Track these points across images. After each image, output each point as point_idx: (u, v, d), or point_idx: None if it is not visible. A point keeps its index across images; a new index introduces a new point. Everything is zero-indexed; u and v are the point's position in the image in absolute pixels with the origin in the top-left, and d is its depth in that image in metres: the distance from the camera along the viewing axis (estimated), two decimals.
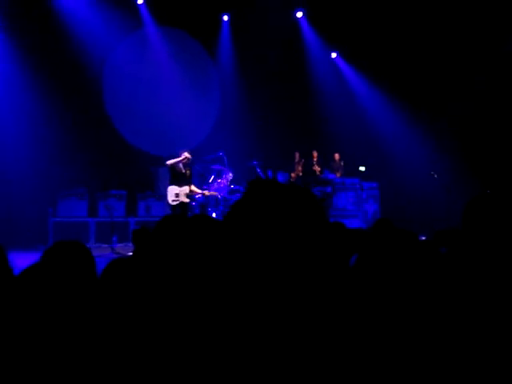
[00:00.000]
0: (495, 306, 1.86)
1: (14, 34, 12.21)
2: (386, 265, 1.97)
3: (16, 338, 1.70)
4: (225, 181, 11.05)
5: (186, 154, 10.19)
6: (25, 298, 1.78)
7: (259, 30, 12.98)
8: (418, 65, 13.63)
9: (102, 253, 9.97)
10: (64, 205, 11.84)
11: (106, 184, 12.36)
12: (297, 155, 13.09)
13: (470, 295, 1.90)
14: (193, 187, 10.35)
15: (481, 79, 12.97)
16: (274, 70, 13.78)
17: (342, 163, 13.38)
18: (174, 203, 10.08)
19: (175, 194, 10.08)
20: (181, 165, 10.18)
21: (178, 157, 10.20)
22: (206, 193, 10.60)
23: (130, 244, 9.75)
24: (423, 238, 7.20)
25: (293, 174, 12.98)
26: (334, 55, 15.17)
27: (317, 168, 12.86)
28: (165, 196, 10.39)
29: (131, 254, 7.73)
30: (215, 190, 10.81)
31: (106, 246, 10.97)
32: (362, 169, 13.50)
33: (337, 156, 13.48)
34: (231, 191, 10.96)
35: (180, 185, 10.14)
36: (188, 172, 10.33)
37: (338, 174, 13.22)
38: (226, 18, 14.31)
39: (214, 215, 10.62)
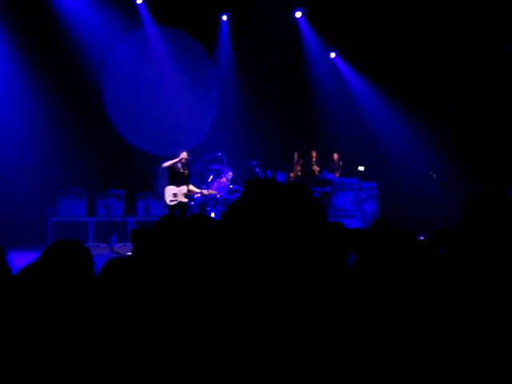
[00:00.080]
0: (492, 304, 1.86)
1: (13, 34, 12.20)
2: (385, 264, 1.98)
3: (14, 337, 1.70)
4: (225, 180, 11.06)
5: (184, 155, 10.18)
6: (23, 297, 1.78)
7: (258, 29, 12.98)
8: (417, 65, 13.63)
9: (100, 252, 9.97)
10: (63, 204, 11.83)
11: (105, 184, 12.36)
12: (296, 155, 13.10)
13: (466, 294, 1.90)
14: (191, 187, 10.34)
15: (481, 79, 12.97)
16: (273, 69, 13.79)
17: (341, 163, 13.38)
18: (172, 203, 10.07)
19: (173, 193, 10.07)
20: (179, 165, 10.17)
21: (177, 157, 10.20)
22: (205, 192, 10.60)
23: (129, 244, 9.76)
24: (422, 238, 7.20)
25: (292, 174, 12.99)
26: (332, 55, 15.17)
27: (316, 168, 12.86)
28: (163, 196, 10.38)
29: (130, 253, 7.73)
30: (215, 190, 10.82)
31: (105, 245, 10.98)
32: (361, 169, 13.50)
33: (336, 156, 13.48)
34: (230, 191, 10.96)
35: (178, 185, 10.14)
36: (186, 172, 10.32)
37: (337, 174, 13.22)
38: (225, 17, 14.30)
39: (212, 215, 10.62)
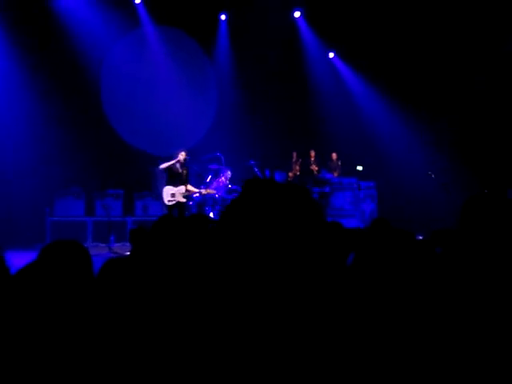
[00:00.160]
0: (490, 304, 1.86)
1: (12, 34, 12.18)
2: (383, 264, 1.98)
3: (12, 336, 1.70)
4: (224, 179, 11.07)
5: (182, 155, 10.16)
6: (21, 297, 1.78)
7: (257, 29, 12.98)
8: (416, 64, 13.64)
9: (99, 252, 9.97)
10: (61, 204, 11.83)
11: (104, 183, 12.35)
12: (294, 155, 13.10)
13: (464, 294, 1.90)
14: (189, 187, 10.32)
15: (481, 79, 12.98)
16: (272, 69, 13.78)
17: (340, 163, 13.38)
18: (170, 203, 10.06)
19: (171, 194, 10.06)
20: (178, 165, 10.16)
21: (175, 157, 10.19)
22: (203, 191, 10.60)
23: (128, 243, 9.75)
24: (420, 238, 7.20)
25: (290, 174, 12.99)
26: (331, 55, 15.17)
27: (314, 167, 12.86)
28: (161, 196, 10.37)
29: (128, 253, 7.72)
30: (214, 189, 10.82)
31: (104, 245, 10.98)
32: (360, 168, 13.50)
33: (334, 155, 13.48)
34: (229, 191, 10.96)
35: (176, 185, 10.12)
36: (185, 172, 10.30)
37: (336, 174, 13.22)
38: (223, 17, 14.29)
39: (211, 215, 10.62)
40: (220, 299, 1.55)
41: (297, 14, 14.47)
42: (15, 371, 1.65)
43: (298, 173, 12.95)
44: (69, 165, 12.21)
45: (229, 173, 11.11)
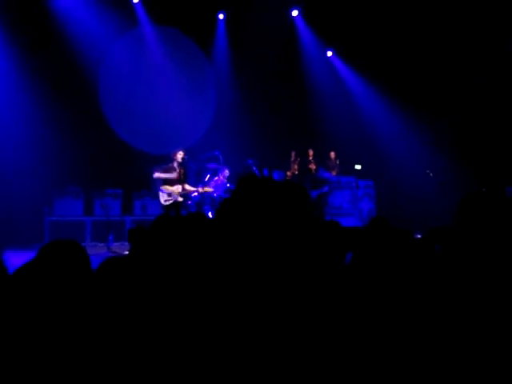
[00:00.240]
0: (488, 300, 1.87)
1: (10, 34, 12.17)
2: (381, 263, 1.98)
3: (10, 336, 1.70)
4: (222, 178, 11.07)
5: (179, 155, 10.13)
6: (18, 297, 1.78)
7: (254, 28, 12.97)
8: (415, 63, 13.64)
9: (98, 252, 9.97)
10: (60, 204, 11.83)
11: (102, 183, 12.35)
12: (293, 154, 13.10)
13: (463, 291, 1.91)
14: (187, 186, 10.29)
15: (481, 79, 12.98)
16: (270, 68, 13.78)
17: (338, 161, 13.39)
18: (167, 203, 10.02)
19: (167, 193, 10.03)
20: (175, 164, 10.13)
21: (172, 158, 10.15)
22: (200, 190, 10.58)
23: (126, 243, 9.76)
24: (419, 236, 7.21)
25: (289, 173, 12.99)
26: (329, 54, 15.18)
27: (312, 166, 12.87)
28: (157, 196, 10.33)
29: (127, 252, 7.72)
30: (212, 188, 10.82)
31: (102, 244, 10.98)
32: (358, 167, 13.51)
33: (332, 154, 13.48)
34: (227, 190, 10.96)
35: (172, 184, 10.09)
36: (182, 171, 10.27)
37: (334, 173, 13.22)
38: (221, 16, 14.30)
39: (210, 214, 10.62)
40: (218, 298, 1.56)
41: (295, 13, 14.48)
42: (14, 370, 1.66)
43: (297, 172, 12.96)
44: (67, 164, 12.21)
45: (227, 172, 11.11)
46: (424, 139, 13.79)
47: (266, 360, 1.47)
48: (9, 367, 1.66)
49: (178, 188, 10.07)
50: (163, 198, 10.04)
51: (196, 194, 10.76)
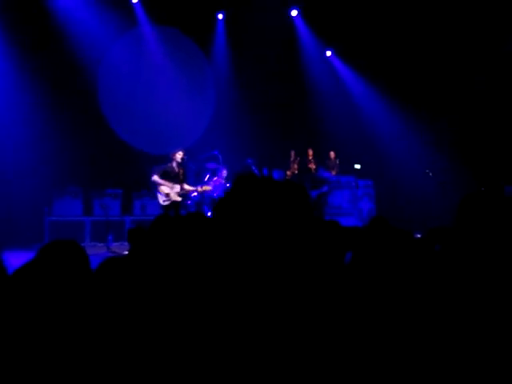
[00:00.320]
0: (488, 300, 1.87)
1: (9, 34, 12.17)
2: (381, 262, 1.98)
3: (9, 336, 1.70)
4: (219, 178, 11.07)
5: (178, 155, 10.10)
6: (17, 297, 1.78)
7: (254, 28, 12.98)
8: (415, 63, 13.65)
9: (97, 252, 9.97)
10: (59, 204, 11.83)
11: (102, 183, 12.34)
12: (292, 153, 13.11)
13: (463, 291, 1.91)
14: (185, 186, 10.25)
15: (481, 79, 12.98)
16: (269, 68, 13.78)
17: (338, 161, 13.39)
18: (165, 203, 9.99)
19: (165, 194, 9.99)
20: (174, 164, 10.10)
21: (171, 157, 10.12)
22: (199, 189, 10.56)
23: (126, 243, 9.75)
24: (418, 236, 7.21)
25: (288, 172, 13.00)
26: (329, 53, 15.18)
27: (312, 166, 12.86)
28: (156, 196, 10.29)
29: (127, 252, 7.72)
30: (211, 188, 10.81)
31: (102, 244, 10.99)
32: (358, 167, 13.52)
33: (332, 154, 13.48)
34: (226, 190, 10.96)
35: (171, 184, 10.03)
36: (181, 171, 10.23)
37: (334, 172, 13.22)
38: (220, 16, 14.30)
39: (209, 214, 10.62)
40: (217, 298, 1.55)
41: (294, 13, 14.48)
42: (13, 370, 1.65)
43: (296, 171, 12.96)
44: (67, 164, 12.20)
45: (225, 172, 11.11)
46: (424, 139, 13.80)
47: (266, 359, 1.46)
48: (9, 367, 1.65)
49: (175, 189, 10.03)
50: (161, 199, 10.02)
51: (195, 193, 10.76)
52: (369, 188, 13.27)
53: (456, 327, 1.80)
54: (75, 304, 1.80)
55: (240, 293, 1.54)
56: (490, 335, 1.79)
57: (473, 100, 13.29)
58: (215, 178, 11.13)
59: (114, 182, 12.40)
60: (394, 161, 13.93)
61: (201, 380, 1.51)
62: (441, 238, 3.07)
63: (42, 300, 1.77)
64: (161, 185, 9.95)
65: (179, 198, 10.10)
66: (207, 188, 10.64)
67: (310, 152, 12.96)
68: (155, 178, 9.98)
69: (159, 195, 10.00)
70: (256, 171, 11.86)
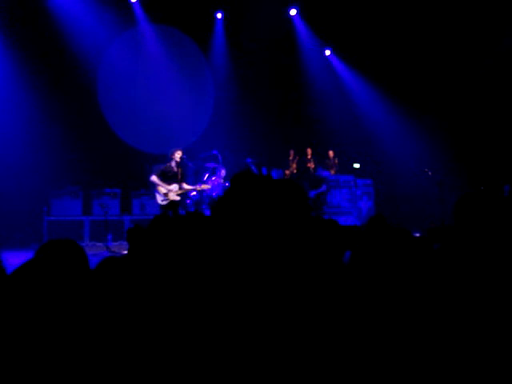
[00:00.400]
0: (487, 298, 1.87)
1: (7, 33, 12.16)
2: (380, 261, 1.98)
3: (8, 336, 1.70)
4: (218, 178, 11.07)
5: (177, 155, 10.09)
6: (16, 297, 1.78)
7: (253, 27, 12.99)
8: (413, 62, 13.65)
9: (96, 251, 9.97)
10: (58, 203, 11.83)
11: (100, 182, 12.34)
12: (291, 153, 13.12)
13: (461, 290, 1.91)
14: (184, 185, 10.22)
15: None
16: (268, 67, 13.78)
17: (337, 160, 13.40)
18: (164, 203, 9.98)
19: (164, 193, 9.97)
20: (173, 163, 10.08)
21: (169, 157, 10.10)
22: (198, 187, 10.55)
23: (125, 242, 9.75)
24: (417, 235, 7.22)
25: (287, 172, 13.01)
26: (328, 52, 15.19)
27: (311, 165, 12.87)
28: (154, 195, 10.27)
29: (126, 252, 7.72)
30: (209, 188, 10.81)
31: (101, 244, 10.98)
32: (357, 166, 13.53)
33: (331, 153, 13.49)
34: (225, 189, 10.95)
35: (169, 184, 10.00)
36: (180, 171, 10.20)
37: (333, 172, 13.23)
38: (219, 15, 14.30)
39: (208, 213, 10.62)
40: (216, 297, 1.56)
41: (293, 12, 14.48)
42: (12, 370, 1.65)
43: (295, 171, 12.97)
44: (66, 164, 12.20)
45: (223, 172, 11.11)
46: (423, 138, 13.80)
47: (264, 358, 1.47)
48: (7, 367, 1.65)
49: (173, 188, 10.00)
50: (160, 199, 10.01)
51: (195, 192, 10.75)
52: (368, 187, 13.28)
53: (455, 325, 1.81)
54: (74, 304, 1.80)
55: (238, 291, 1.54)
56: (489, 333, 1.79)
57: (471, 98, 13.29)
58: (214, 178, 11.13)
59: (113, 181, 12.40)
60: (392, 160, 13.94)
61: (199, 379, 1.51)
62: (440, 236, 3.07)
63: (40, 300, 1.77)
64: (158, 185, 9.94)
65: (178, 198, 10.08)
66: (206, 187, 10.63)
67: (309, 151, 12.96)
68: (153, 178, 9.96)
69: (157, 195, 10.00)
70: (255, 170, 11.87)
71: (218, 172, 11.20)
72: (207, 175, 11.32)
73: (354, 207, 13.07)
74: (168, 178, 10.01)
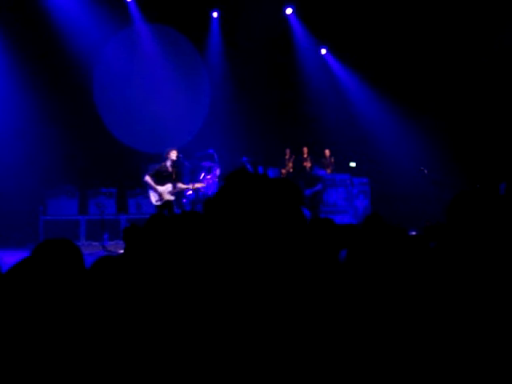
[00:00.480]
0: (483, 296, 1.87)
1: (3, 33, 12.13)
2: (376, 260, 1.98)
3: (3, 334, 1.70)
4: (213, 177, 11.07)
5: (173, 154, 10.06)
6: (11, 295, 1.78)
7: (249, 26, 12.98)
8: (409, 61, 13.66)
9: (92, 250, 9.96)
10: (54, 203, 11.82)
11: (96, 182, 12.32)
12: (287, 152, 13.12)
13: (457, 288, 1.91)
14: (179, 184, 10.18)
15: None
16: (264, 66, 13.77)
17: (333, 159, 13.40)
18: (158, 203, 9.94)
19: (158, 193, 9.93)
20: (168, 163, 10.06)
21: (164, 157, 10.08)
22: (191, 186, 10.51)
23: (121, 242, 9.73)
24: (414, 233, 7.22)
25: (283, 171, 13.00)
26: (323, 51, 15.19)
27: (307, 164, 12.86)
28: (148, 196, 10.22)
29: (122, 251, 7.71)
30: (205, 187, 10.80)
31: (97, 243, 10.97)
32: (353, 164, 13.53)
33: (327, 152, 13.48)
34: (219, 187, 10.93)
35: (163, 184, 9.95)
36: (175, 171, 10.17)
37: (329, 170, 13.23)
38: (215, 14, 14.29)
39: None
40: (212, 296, 1.55)
41: (289, 11, 14.47)
42: (9, 369, 1.65)
43: (291, 169, 12.97)
44: (62, 163, 12.18)
45: (218, 171, 11.10)
46: (418, 136, 13.81)
47: (261, 356, 1.46)
48: (3, 365, 1.65)
49: (167, 188, 9.96)
50: (154, 199, 9.98)
51: (191, 192, 10.74)
52: (364, 186, 13.29)
53: (452, 323, 1.81)
54: (69, 303, 1.80)
55: (234, 290, 1.54)
56: (486, 331, 1.79)
57: (467, 97, 13.31)
58: (209, 176, 11.12)
59: (109, 180, 12.38)
60: (389, 158, 13.94)
61: (198, 379, 1.51)
62: (436, 235, 3.07)
63: (36, 299, 1.77)
64: (151, 186, 9.90)
65: (172, 197, 10.06)
66: (200, 185, 10.61)
67: (305, 150, 12.95)
68: (146, 178, 9.92)
69: (151, 195, 9.97)
70: (251, 169, 11.87)
71: (213, 171, 11.20)
72: (203, 174, 11.32)
73: (350, 206, 13.08)
74: (163, 178, 9.97)
